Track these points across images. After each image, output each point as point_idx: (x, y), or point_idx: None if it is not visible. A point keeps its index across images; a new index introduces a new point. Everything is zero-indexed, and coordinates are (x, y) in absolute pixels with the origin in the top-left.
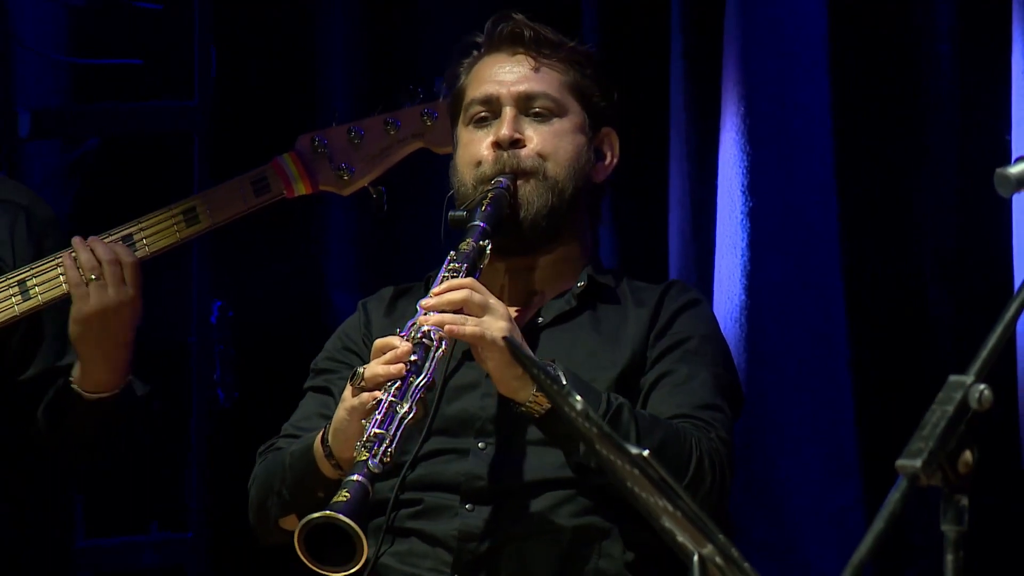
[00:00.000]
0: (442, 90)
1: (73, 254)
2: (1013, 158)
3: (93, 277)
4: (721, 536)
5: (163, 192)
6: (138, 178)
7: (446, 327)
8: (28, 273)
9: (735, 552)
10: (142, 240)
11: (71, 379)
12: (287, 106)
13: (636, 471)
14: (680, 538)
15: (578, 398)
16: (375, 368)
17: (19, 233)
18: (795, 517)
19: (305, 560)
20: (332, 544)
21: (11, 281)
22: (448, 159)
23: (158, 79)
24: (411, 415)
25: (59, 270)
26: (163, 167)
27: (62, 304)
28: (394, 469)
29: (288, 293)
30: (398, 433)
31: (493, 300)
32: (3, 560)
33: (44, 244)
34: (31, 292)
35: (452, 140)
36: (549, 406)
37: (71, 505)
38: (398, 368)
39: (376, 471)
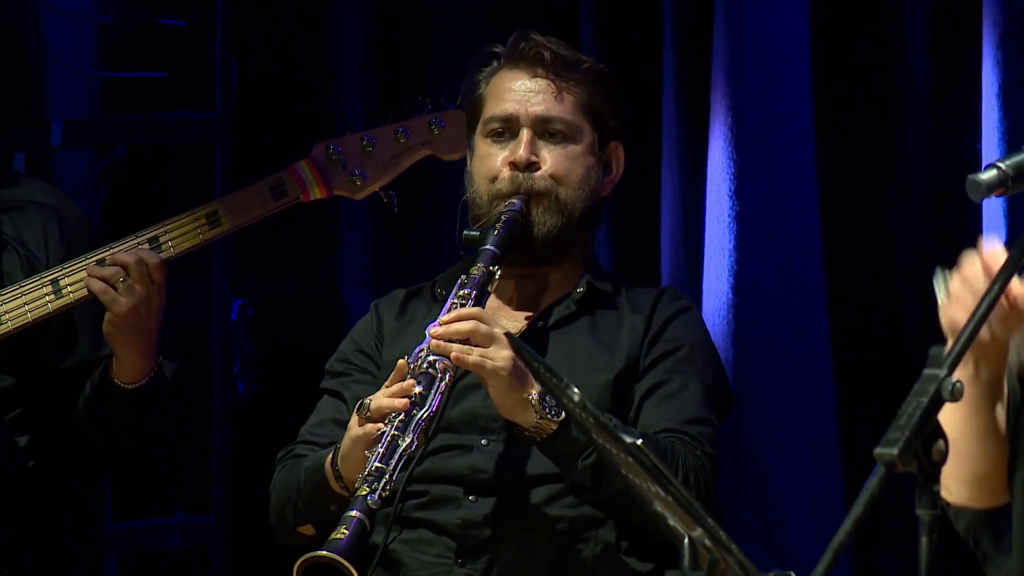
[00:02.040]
0: (450, 103)
1: (95, 271)
2: (983, 165)
3: (121, 280)
4: (709, 519)
5: (186, 198)
6: (163, 185)
7: (452, 355)
8: (60, 272)
9: (723, 534)
10: (167, 242)
11: (110, 373)
12: (303, 117)
13: (630, 459)
14: (671, 522)
15: (575, 390)
16: (381, 400)
17: (51, 233)
18: (780, 504)
19: None
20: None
21: (45, 280)
22: (457, 164)
23: (182, 92)
24: (412, 448)
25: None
26: (186, 175)
27: (94, 299)
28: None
29: (304, 292)
30: (399, 467)
31: (498, 330)
32: (39, 543)
33: (75, 244)
34: (63, 291)
35: (467, 144)
36: (549, 432)
37: (102, 491)
38: (402, 403)
39: (375, 507)
